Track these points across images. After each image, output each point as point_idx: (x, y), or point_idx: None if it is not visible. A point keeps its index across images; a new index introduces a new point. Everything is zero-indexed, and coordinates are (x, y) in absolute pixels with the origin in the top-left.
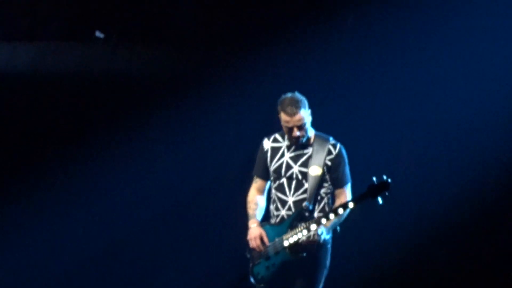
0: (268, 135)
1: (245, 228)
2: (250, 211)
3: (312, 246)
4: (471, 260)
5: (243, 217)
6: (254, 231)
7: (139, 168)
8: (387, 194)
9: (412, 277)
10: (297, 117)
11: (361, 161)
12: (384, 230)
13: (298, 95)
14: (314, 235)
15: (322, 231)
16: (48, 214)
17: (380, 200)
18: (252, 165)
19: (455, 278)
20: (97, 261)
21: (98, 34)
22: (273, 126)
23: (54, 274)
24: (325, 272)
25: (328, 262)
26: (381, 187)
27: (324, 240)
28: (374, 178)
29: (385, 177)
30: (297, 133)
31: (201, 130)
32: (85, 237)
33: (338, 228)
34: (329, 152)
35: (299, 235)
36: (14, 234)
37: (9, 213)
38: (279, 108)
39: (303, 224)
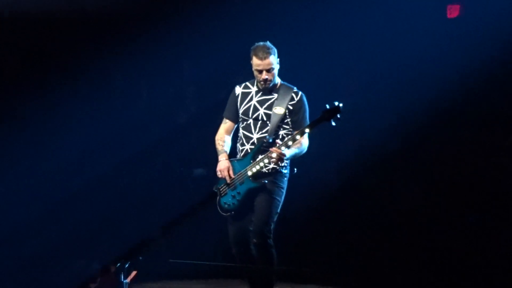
0: (239, 83)
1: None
2: (219, 147)
3: (275, 169)
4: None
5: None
6: (223, 163)
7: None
8: (338, 116)
9: (350, 201)
10: (267, 61)
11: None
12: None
13: (269, 44)
14: (276, 157)
15: (285, 150)
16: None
17: (333, 122)
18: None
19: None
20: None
21: None
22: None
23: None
24: (282, 197)
25: (284, 191)
26: (334, 111)
27: (285, 163)
28: (327, 105)
29: (336, 103)
30: (265, 76)
31: (176, 76)
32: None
33: (295, 169)
34: (292, 98)
35: (261, 164)
36: None
37: None
38: (252, 53)
39: (265, 155)
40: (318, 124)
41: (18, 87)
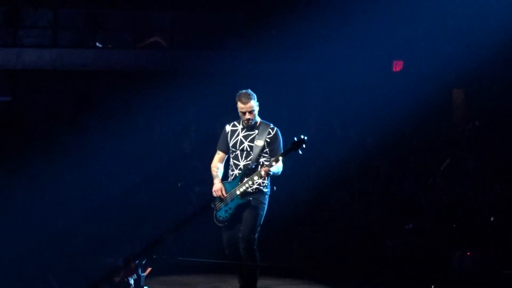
0: (229, 122)
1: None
2: (214, 173)
3: (258, 188)
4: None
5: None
6: (217, 185)
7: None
8: (304, 146)
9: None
10: (248, 105)
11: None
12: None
13: (250, 91)
14: (259, 176)
15: (264, 172)
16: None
17: (300, 151)
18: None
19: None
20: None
21: (98, 44)
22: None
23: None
24: (264, 211)
25: (266, 206)
26: (300, 142)
27: (265, 186)
28: (295, 138)
29: (302, 136)
30: (248, 116)
31: (183, 116)
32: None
33: (274, 187)
34: (269, 133)
35: (246, 185)
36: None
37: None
38: (236, 99)
39: (249, 178)
40: (288, 153)
41: (70, 124)
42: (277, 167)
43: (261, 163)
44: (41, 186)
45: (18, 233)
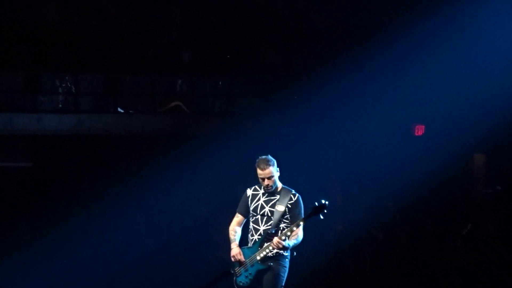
0: (250, 186)
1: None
2: (232, 236)
3: (278, 252)
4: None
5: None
6: (235, 250)
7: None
8: (325, 211)
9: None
10: (267, 171)
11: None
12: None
13: (269, 157)
14: (278, 245)
15: (285, 239)
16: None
17: (321, 216)
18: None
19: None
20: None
21: (120, 109)
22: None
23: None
24: (286, 273)
25: (287, 269)
26: (321, 207)
27: (286, 250)
28: (316, 203)
29: (323, 201)
30: (267, 182)
31: (202, 181)
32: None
33: (294, 252)
34: (290, 199)
35: (266, 250)
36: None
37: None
38: (256, 165)
39: (269, 243)
40: (309, 218)
41: (90, 188)
42: (296, 239)
43: (281, 228)
44: (61, 252)
45: None
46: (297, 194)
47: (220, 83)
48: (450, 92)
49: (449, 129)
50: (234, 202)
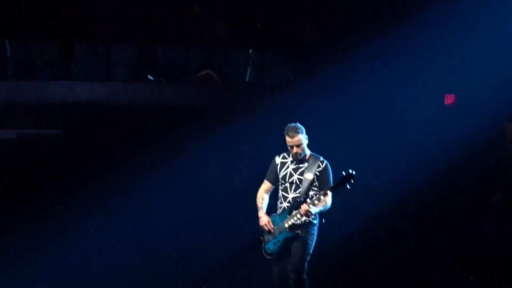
0: (279, 154)
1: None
2: (259, 204)
3: (306, 220)
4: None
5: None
6: (264, 219)
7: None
8: (352, 181)
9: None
10: (296, 139)
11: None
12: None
13: (298, 124)
14: (306, 213)
15: (312, 209)
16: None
17: (348, 186)
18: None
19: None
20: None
21: (150, 77)
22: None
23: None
24: (314, 241)
25: (315, 237)
26: (349, 177)
27: (314, 216)
28: (344, 172)
29: (350, 170)
30: (295, 150)
31: (237, 151)
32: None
33: (323, 219)
34: (318, 166)
35: (295, 218)
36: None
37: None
38: (284, 133)
39: (297, 211)
40: (337, 188)
41: (121, 159)
42: (323, 206)
43: (310, 196)
44: (92, 223)
45: (65, 274)
46: (325, 161)
47: (252, 53)
48: (482, 61)
49: (481, 99)
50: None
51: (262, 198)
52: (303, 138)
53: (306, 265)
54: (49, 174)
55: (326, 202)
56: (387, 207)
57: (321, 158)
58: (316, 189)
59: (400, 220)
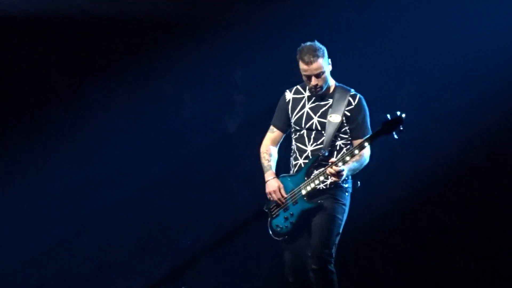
0: (289, 87)
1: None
2: (265, 162)
3: (333, 185)
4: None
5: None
6: (273, 184)
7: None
8: (401, 128)
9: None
10: (314, 65)
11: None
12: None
13: (317, 43)
14: (333, 174)
15: (343, 168)
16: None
17: (395, 134)
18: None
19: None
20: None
21: None
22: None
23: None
24: (345, 215)
25: (346, 208)
26: (395, 122)
27: (345, 178)
28: (388, 115)
29: (398, 113)
30: (315, 82)
31: (218, 79)
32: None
33: (358, 182)
34: (349, 103)
35: (316, 181)
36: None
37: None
38: (297, 56)
39: (320, 170)
40: (379, 137)
41: (63, 94)
42: (358, 161)
43: (337, 148)
44: (27, 182)
45: (4, 242)
46: (358, 95)
47: None
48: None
49: None
50: (270, 114)
51: (269, 153)
52: (325, 63)
53: (333, 250)
54: None
55: (362, 157)
56: (441, 162)
57: (352, 91)
58: (346, 136)
59: (460, 178)
